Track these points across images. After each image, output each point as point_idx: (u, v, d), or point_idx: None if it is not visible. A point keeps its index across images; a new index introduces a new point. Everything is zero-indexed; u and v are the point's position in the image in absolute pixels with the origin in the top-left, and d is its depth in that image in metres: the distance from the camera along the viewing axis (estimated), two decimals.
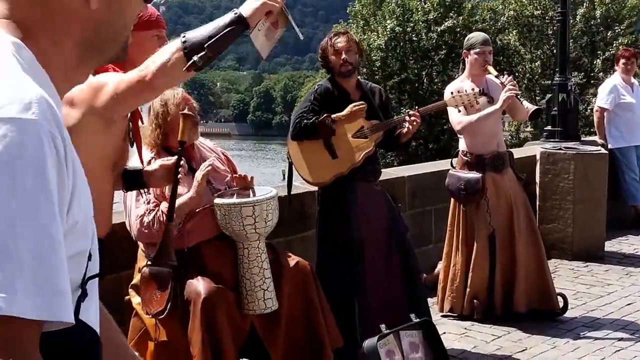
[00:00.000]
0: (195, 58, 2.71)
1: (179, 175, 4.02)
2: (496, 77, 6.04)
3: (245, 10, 2.88)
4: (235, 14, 2.87)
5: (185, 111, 4.09)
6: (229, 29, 2.81)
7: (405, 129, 5.53)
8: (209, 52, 2.72)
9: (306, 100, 5.50)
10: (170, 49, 2.81)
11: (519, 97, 5.98)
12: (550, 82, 29.82)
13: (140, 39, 3.10)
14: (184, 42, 2.77)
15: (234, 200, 4.43)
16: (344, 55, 5.42)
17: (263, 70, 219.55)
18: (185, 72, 2.80)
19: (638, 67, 9.76)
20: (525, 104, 6.01)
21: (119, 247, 4.58)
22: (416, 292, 5.62)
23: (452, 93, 5.81)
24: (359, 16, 35.67)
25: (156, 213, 4.34)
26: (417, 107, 5.68)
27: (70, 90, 1.41)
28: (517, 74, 31.74)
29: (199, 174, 4.45)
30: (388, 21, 32.51)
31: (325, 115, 5.32)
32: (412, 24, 32.36)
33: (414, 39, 32.23)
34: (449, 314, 6.31)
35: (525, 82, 31.70)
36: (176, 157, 3.99)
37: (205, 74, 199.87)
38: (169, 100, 4.53)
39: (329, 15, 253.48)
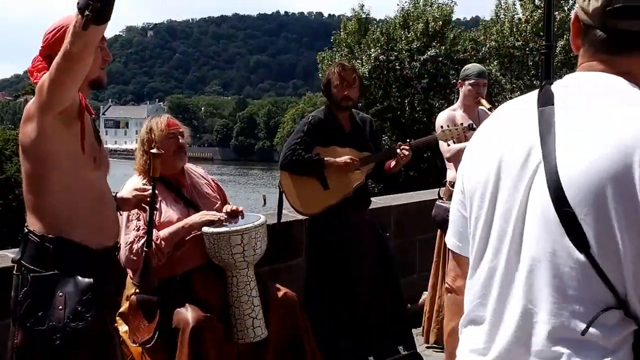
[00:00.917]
0: (86, 13, 2.80)
1: (155, 207, 4.07)
2: (489, 109, 6.05)
3: None
4: None
5: (154, 150, 4.10)
6: None
7: (395, 161, 5.56)
8: (94, 2, 2.79)
9: (299, 131, 5.51)
10: (75, 16, 2.92)
11: None
12: None
13: None
14: (77, 2, 2.87)
15: (223, 229, 4.43)
16: (346, 91, 5.48)
17: (247, 96, 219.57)
18: (89, 30, 2.87)
19: None
20: None
21: None
22: (402, 322, 5.66)
23: (442, 127, 5.85)
24: (344, 44, 35.83)
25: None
26: (409, 140, 5.72)
27: None
28: (497, 104, 31.76)
29: (204, 215, 4.51)
30: (372, 49, 32.67)
31: (317, 156, 5.38)
32: (395, 53, 32.51)
33: (397, 67, 32.37)
34: (434, 345, 6.29)
35: None
36: (150, 191, 4.01)
37: (189, 98, 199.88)
38: (154, 126, 4.61)
39: (313, 42, 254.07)
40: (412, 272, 7.39)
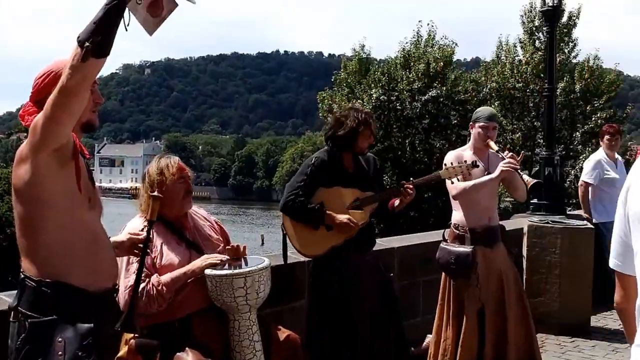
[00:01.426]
0: (86, 44, 2.84)
1: (148, 252, 4.01)
2: (497, 152, 6.04)
3: None
4: None
5: (155, 193, 4.05)
6: (107, 7, 2.90)
7: (399, 201, 5.56)
8: (95, 35, 2.84)
9: (302, 174, 5.49)
10: (73, 50, 2.93)
11: (519, 172, 5.95)
12: (530, 153, 30.19)
13: None
14: (78, 37, 2.91)
15: (226, 271, 4.36)
16: (372, 140, 5.58)
17: (246, 135, 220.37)
18: (89, 63, 2.90)
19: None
20: (526, 177, 5.99)
21: None
22: None
23: (445, 165, 5.84)
24: (344, 84, 35.92)
25: (146, 285, 4.29)
26: (412, 179, 5.67)
27: None
28: (500, 145, 31.84)
29: (206, 259, 4.44)
30: (373, 89, 32.73)
31: (318, 206, 5.36)
32: (396, 93, 32.59)
33: (398, 107, 32.43)
34: None
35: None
36: (145, 234, 3.94)
37: (187, 136, 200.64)
38: (165, 169, 4.56)
39: (313, 81, 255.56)
40: (415, 315, 7.33)
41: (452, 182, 5.88)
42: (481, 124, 6.17)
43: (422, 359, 6.53)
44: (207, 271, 4.39)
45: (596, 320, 8.45)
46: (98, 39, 2.85)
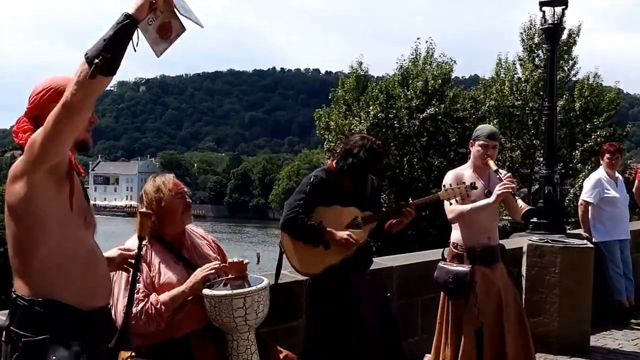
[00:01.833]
0: (96, 61, 2.87)
1: (138, 270, 3.91)
2: (495, 171, 6.00)
3: (130, 7, 3.03)
4: (123, 13, 3.00)
5: (143, 210, 4.01)
6: (118, 26, 2.94)
7: (397, 221, 5.54)
8: (105, 53, 2.87)
9: (300, 192, 5.46)
10: (78, 68, 2.95)
11: (515, 195, 5.91)
12: (529, 171, 30.26)
13: None
14: (86, 54, 2.93)
15: (225, 292, 4.33)
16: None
17: (241, 152, 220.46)
18: (96, 80, 2.92)
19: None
20: (520, 202, 5.93)
21: None
22: None
23: (444, 186, 5.80)
24: (341, 101, 35.97)
25: (145, 304, 4.26)
26: (411, 199, 5.63)
27: None
28: (497, 163, 31.92)
29: (200, 273, 4.40)
30: (371, 107, 32.79)
31: (319, 224, 5.33)
32: (394, 111, 32.64)
33: (396, 125, 32.49)
34: None
35: (505, 170, 31.96)
36: (136, 250, 3.86)
37: (182, 154, 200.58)
38: (161, 186, 4.54)
39: (309, 99, 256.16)
40: (414, 334, 7.27)
41: (451, 204, 5.87)
42: (481, 142, 6.13)
43: None
44: (206, 291, 4.36)
45: (595, 340, 8.40)
46: (107, 56, 2.88)
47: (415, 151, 32.65)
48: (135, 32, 3.00)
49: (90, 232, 3.42)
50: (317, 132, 37.29)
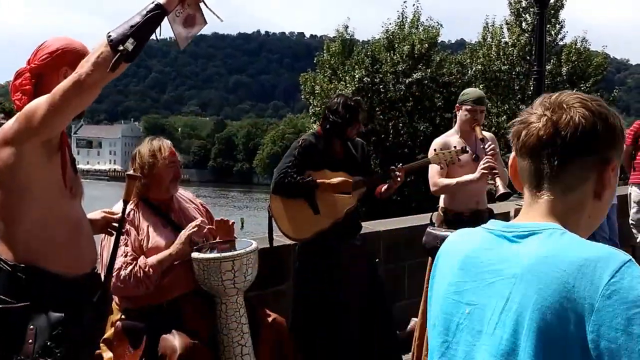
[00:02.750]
0: (120, 47, 2.83)
1: (123, 232, 3.94)
2: (480, 139, 5.92)
3: None
4: (153, 2, 2.98)
5: (131, 172, 4.02)
6: (148, 15, 2.92)
7: (387, 186, 5.50)
8: (133, 40, 2.85)
9: (290, 155, 5.42)
10: (98, 48, 2.89)
11: (495, 171, 5.84)
12: None
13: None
14: (109, 36, 2.88)
15: (213, 255, 4.33)
16: (362, 128, 5.54)
17: (226, 117, 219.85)
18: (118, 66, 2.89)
19: None
20: (498, 182, 5.84)
21: None
22: (392, 349, 5.59)
23: (435, 150, 5.76)
24: (327, 65, 35.86)
25: (133, 267, 4.26)
26: (400, 164, 5.60)
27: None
28: (483, 127, 31.95)
29: (183, 234, 4.38)
30: (356, 71, 32.70)
31: (309, 177, 5.30)
32: (380, 75, 32.57)
33: (382, 89, 32.43)
34: None
35: (491, 134, 31.99)
36: (120, 214, 3.85)
37: (166, 118, 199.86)
38: (157, 151, 4.52)
39: (294, 63, 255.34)
40: (401, 298, 7.28)
41: (442, 168, 5.83)
42: (468, 107, 6.03)
43: (407, 342, 6.50)
44: (195, 255, 4.36)
45: None
46: (134, 44, 2.85)
47: (401, 116, 32.61)
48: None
49: (77, 200, 3.37)
50: (302, 96, 37.23)
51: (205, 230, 4.61)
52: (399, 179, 5.43)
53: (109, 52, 2.84)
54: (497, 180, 5.80)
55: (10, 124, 3.09)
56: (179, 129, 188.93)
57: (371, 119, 31.98)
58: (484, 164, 5.78)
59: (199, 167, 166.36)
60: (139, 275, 4.23)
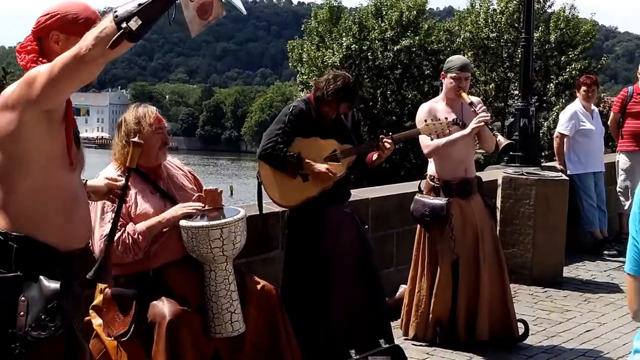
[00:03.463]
0: (123, 25, 2.66)
1: (125, 199, 3.89)
2: (469, 103, 5.96)
3: None
4: None
5: (136, 139, 3.94)
6: None
7: (377, 154, 5.51)
8: (138, 19, 2.67)
9: (279, 122, 5.40)
10: (103, 22, 2.76)
11: (489, 126, 5.90)
12: (503, 104, 30.35)
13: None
14: (115, 12, 2.73)
15: (202, 223, 4.31)
16: (333, 115, 5.41)
17: (213, 84, 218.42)
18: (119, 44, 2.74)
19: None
20: (499, 137, 5.91)
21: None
22: (381, 316, 5.59)
23: (425, 121, 5.76)
24: (314, 32, 35.68)
25: (122, 234, 4.25)
26: (390, 133, 5.61)
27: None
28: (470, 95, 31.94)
29: (179, 210, 4.37)
30: (344, 39, 32.55)
31: (297, 154, 5.28)
32: (368, 43, 32.44)
33: (370, 57, 32.30)
34: (412, 339, 6.24)
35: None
36: (124, 181, 3.83)
37: (153, 85, 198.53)
38: (142, 118, 4.48)
39: (282, 30, 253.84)
40: (389, 265, 7.32)
41: (432, 139, 5.85)
42: (453, 74, 6.07)
43: (396, 308, 6.56)
44: (183, 222, 4.34)
45: (568, 271, 8.51)
46: (138, 23, 2.68)
47: (389, 84, 32.53)
48: (174, 4, 2.81)
49: (77, 174, 3.29)
50: (290, 64, 37.08)
51: (194, 196, 4.59)
52: (388, 148, 5.43)
53: (113, 28, 2.69)
54: (499, 135, 5.88)
55: (12, 88, 3.01)
56: (167, 97, 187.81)
57: (359, 87, 31.90)
58: (476, 119, 5.83)
59: (187, 134, 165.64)
60: (127, 241, 4.23)
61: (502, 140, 5.88)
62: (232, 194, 74.17)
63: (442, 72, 6.20)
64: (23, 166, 3.02)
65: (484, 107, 6.01)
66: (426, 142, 6.01)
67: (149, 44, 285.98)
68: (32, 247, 3.02)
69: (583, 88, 9.43)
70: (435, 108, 6.08)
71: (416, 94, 31.59)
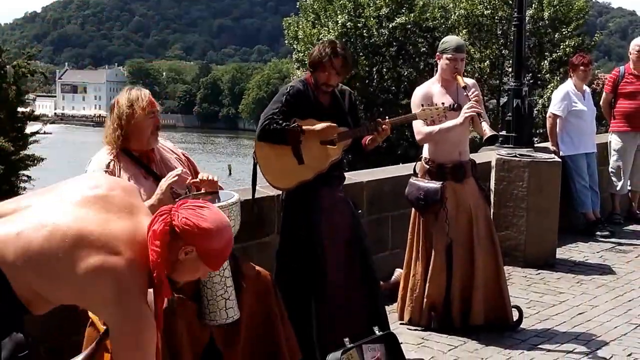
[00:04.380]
0: None
1: None
2: (463, 87, 5.96)
3: None
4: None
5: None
6: None
7: (372, 137, 5.52)
8: None
9: (277, 102, 5.38)
10: None
11: (480, 116, 5.91)
12: (498, 82, 30.30)
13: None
14: None
15: None
16: (332, 80, 5.38)
17: (210, 61, 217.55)
18: None
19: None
20: (484, 126, 5.87)
21: None
22: (375, 300, 5.60)
23: (422, 105, 5.77)
24: (310, 10, 35.54)
25: None
26: (387, 117, 5.61)
27: None
28: (465, 74, 31.85)
29: (163, 183, 4.32)
30: (339, 16, 32.43)
31: (295, 123, 5.26)
32: (363, 20, 32.32)
33: (365, 34, 32.20)
34: (408, 323, 6.29)
35: (473, 81, 31.81)
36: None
37: (150, 63, 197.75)
38: (135, 101, 4.44)
39: (278, 6, 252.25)
40: (384, 249, 7.33)
41: (428, 124, 5.88)
42: (449, 55, 6.06)
43: (392, 292, 6.62)
44: None
45: (561, 253, 8.55)
46: None
47: (385, 61, 32.41)
48: None
49: None
50: (286, 41, 36.98)
51: (189, 180, 4.58)
52: (384, 131, 5.45)
53: None
54: (484, 124, 5.87)
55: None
56: (164, 74, 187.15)
57: (355, 64, 31.81)
58: (468, 108, 5.84)
59: (185, 112, 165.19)
60: None
61: (487, 132, 5.83)
62: (230, 173, 74.01)
63: (438, 53, 6.20)
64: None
65: (477, 92, 6.02)
66: (419, 129, 6.02)
67: (145, 20, 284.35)
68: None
69: (581, 68, 9.37)
70: (430, 91, 6.09)
71: (412, 71, 31.49)
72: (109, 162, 4.40)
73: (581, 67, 9.39)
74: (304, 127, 5.27)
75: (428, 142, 6.14)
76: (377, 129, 5.45)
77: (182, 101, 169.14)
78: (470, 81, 6.20)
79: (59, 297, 3.02)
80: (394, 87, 31.83)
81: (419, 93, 6.13)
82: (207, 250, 3.01)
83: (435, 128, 5.93)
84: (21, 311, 3.00)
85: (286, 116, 5.29)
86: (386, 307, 5.94)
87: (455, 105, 5.88)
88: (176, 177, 4.35)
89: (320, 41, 5.62)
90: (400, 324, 6.30)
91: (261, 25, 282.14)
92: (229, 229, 3.14)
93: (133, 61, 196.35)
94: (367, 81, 32.14)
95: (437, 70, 6.29)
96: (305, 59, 31.08)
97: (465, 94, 5.94)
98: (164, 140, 4.81)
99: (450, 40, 6.27)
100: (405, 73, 31.71)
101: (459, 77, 6.02)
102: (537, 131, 25.22)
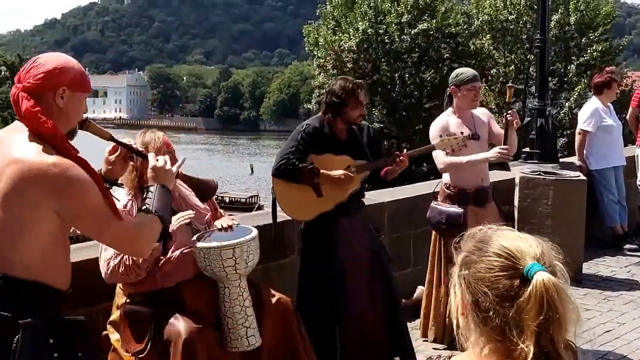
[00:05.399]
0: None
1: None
2: (508, 104, 6.04)
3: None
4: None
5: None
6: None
7: (390, 169, 5.52)
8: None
9: (293, 139, 5.38)
10: (151, 221, 3.30)
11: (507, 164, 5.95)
12: (524, 86, 30.05)
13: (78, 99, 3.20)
14: (161, 217, 3.32)
15: (213, 244, 4.34)
16: (363, 111, 5.43)
17: (231, 65, 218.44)
18: None
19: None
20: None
21: (91, 281, 4.38)
22: (397, 324, 5.56)
23: (441, 136, 5.75)
24: (330, 17, 35.53)
25: (122, 257, 4.23)
26: (405, 149, 5.62)
27: None
28: (490, 78, 31.85)
29: (174, 222, 4.30)
30: (360, 23, 32.38)
31: (311, 165, 5.27)
32: (384, 27, 32.25)
33: (387, 41, 32.12)
34: (433, 343, 6.26)
35: (499, 85, 31.72)
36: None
37: (171, 67, 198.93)
38: (149, 144, 4.47)
39: (298, 10, 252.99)
40: (406, 267, 7.33)
41: (447, 154, 5.87)
42: (468, 86, 6.05)
43: (414, 309, 6.62)
44: (195, 244, 4.38)
45: (588, 267, 8.45)
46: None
47: (407, 67, 32.29)
48: None
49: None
50: (306, 48, 37.06)
51: (208, 216, 4.64)
52: (402, 163, 5.44)
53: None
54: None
55: (48, 179, 2.91)
56: (184, 78, 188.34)
57: (377, 70, 31.77)
58: (502, 149, 5.87)
59: (206, 115, 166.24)
60: (127, 263, 4.21)
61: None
62: (252, 172, 74.96)
63: (453, 87, 6.16)
64: (27, 234, 2.96)
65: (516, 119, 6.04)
66: (442, 159, 6.00)
67: (164, 26, 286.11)
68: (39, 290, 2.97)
69: (604, 91, 9.40)
70: (447, 123, 6.07)
71: (434, 76, 31.27)
72: (127, 202, 4.42)
73: (604, 90, 9.40)
74: (321, 171, 5.27)
75: (451, 171, 6.13)
76: (395, 160, 5.45)
77: (202, 105, 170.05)
78: (482, 111, 6.22)
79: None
80: (416, 92, 31.66)
81: (436, 126, 6.13)
82: (73, 78, 3.10)
83: (463, 159, 5.93)
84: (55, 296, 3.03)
85: (302, 154, 5.30)
86: (408, 323, 5.93)
87: (476, 136, 5.89)
88: (188, 220, 4.39)
89: (332, 83, 5.59)
90: (424, 340, 6.31)
91: (281, 29, 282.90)
92: (62, 54, 3.27)
93: (153, 66, 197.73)
94: (389, 87, 32.02)
95: (447, 103, 6.26)
96: (326, 64, 31.11)
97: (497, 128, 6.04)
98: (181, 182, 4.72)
99: (466, 71, 6.26)
100: (428, 78, 31.51)
101: (508, 93, 6.32)
102: (565, 132, 25.16)
